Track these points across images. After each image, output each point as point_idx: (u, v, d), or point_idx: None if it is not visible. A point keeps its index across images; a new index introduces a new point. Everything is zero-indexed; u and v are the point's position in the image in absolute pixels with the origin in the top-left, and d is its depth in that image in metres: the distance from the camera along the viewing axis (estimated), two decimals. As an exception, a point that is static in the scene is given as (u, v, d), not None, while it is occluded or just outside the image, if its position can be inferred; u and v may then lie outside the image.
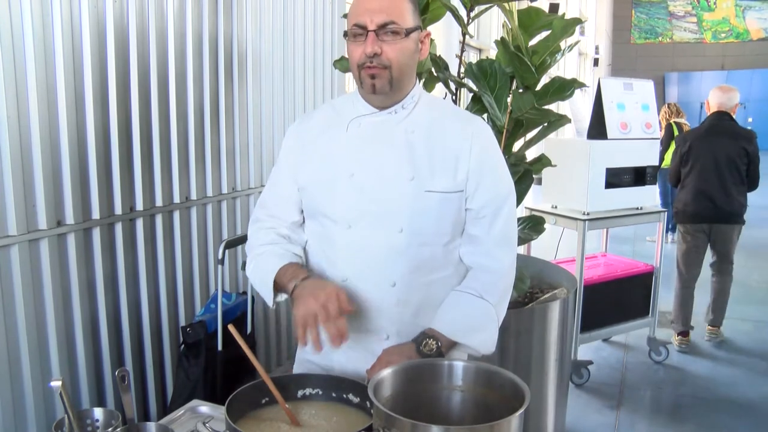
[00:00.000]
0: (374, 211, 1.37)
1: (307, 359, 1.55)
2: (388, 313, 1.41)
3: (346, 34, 1.35)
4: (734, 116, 4.11)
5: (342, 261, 1.41)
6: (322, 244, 1.45)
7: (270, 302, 1.44)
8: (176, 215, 2.64)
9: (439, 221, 1.39)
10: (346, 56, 2.51)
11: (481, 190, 1.40)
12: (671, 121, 7.09)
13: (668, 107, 7.30)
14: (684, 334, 4.17)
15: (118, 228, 2.34)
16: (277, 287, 1.41)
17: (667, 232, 7.10)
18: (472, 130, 1.42)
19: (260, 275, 1.44)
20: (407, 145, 1.39)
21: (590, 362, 3.73)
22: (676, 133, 6.93)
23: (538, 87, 2.39)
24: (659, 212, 4.00)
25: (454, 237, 1.43)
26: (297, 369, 1.59)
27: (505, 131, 2.34)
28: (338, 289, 1.29)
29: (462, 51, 2.59)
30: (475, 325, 1.39)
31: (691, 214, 4.06)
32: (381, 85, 1.34)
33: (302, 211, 1.50)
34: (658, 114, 5.98)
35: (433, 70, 2.41)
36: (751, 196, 4.19)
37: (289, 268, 1.40)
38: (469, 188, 1.40)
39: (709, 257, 4.27)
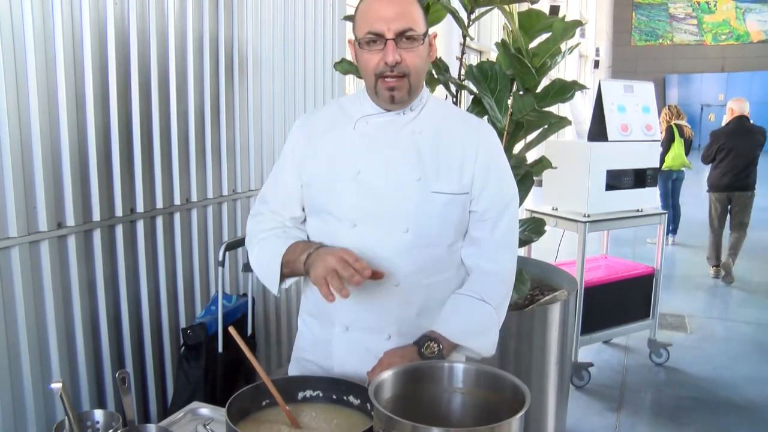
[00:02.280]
0: (380, 211, 1.37)
1: (303, 358, 1.54)
2: (391, 313, 1.40)
3: (359, 43, 1.33)
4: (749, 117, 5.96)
5: None
6: (327, 243, 1.42)
7: (275, 289, 1.41)
8: (176, 217, 2.64)
9: (444, 223, 1.39)
10: (347, 58, 2.52)
11: (486, 193, 1.41)
12: (672, 123, 7.10)
13: (669, 109, 7.32)
14: (716, 266, 6.05)
15: (119, 230, 2.34)
16: (285, 271, 1.39)
17: (667, 234, 7.11)
18: (479, 135, 1.43)
19: (265, 259, 1.42)
20: (414, 146, 1.38)
21: (591, 364, 3.73)
22: (676, 134, 6.94)
23: (539, 89, 2.39)
24: (660, 214, 4.00)
25: (457, 239, 1.43)
26: (293, 368, 1.57)
27: (505, 133, 2.34)
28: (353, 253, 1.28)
29: (462, 53, 2.59)
30: (476, 327, 1.39)
31: (721, 186, 5.91)
32: (400, 96, 1.34)
33: (304, 208, 1.49)
34: (659, 116, 6.25)
35: (433, 72, 2.42)
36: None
37: (298, 244, 1.38)
38: (474, 191, 1.40)
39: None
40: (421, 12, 1.34)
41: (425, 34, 1.34)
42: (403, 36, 1.29)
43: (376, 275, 1.28)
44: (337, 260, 1.24)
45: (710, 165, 6.05)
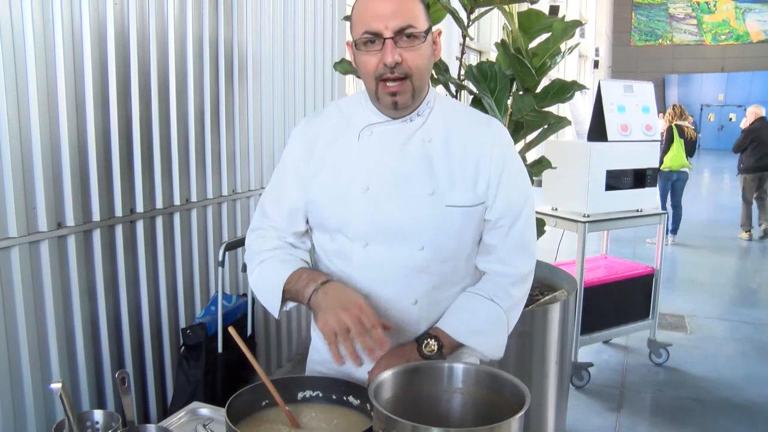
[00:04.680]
0: (393, 228, 1.29)
1: (323, 372, 1.47)
2: (409, 331, 1.36)
3: (356, 45, 1.24)
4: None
5: (360, 279, 1.33)
6: (338, 263, 1.36)
7: (276, 313, 1.35)
8: (176, 217, 2.64)
9: (460, 236, 1.33)
10: (347, 58, 2.52)
11: (500, 200, 1.33)
12: (672, 124, 7.12)
13: (673, 109, 7.45)
14: (748, 231, 7.91)
15: (119, 230, 2.34)
16: (287, 296, 1.33)
17: (667, 233, 7.13)
18: (491, 134, 1.35)
19: (266, 283, 1.35)
20: (425, 157, 1.30)
21: (590, 364, 3.73)
22: (675, 135, 6.96)
23: (539, 89, 2.39)
24: (659, 214, 4.00)
25: (474, 248, 1.38)
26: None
27: (505, 133, 2.34)
28: (364, 302, 1.22)
29: (462, 53, 2.59)
30: (481, 327, 1.34)
31: (751, 168, 7.75)
32: (404, 101, 1.25)
33: (308, 223, 1.41)
34: (659, 115, 6.53)
35: (433, 72, 2.42)
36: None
37: (303, 273, 1.31)
38: (489, 198, 1.33)
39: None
40: (423, 7, 1.25)
41: (427, 31, 1.24)
42: (403, 34, 1.20)
43: (386, 327, 1.22)
44: (353, 321, 1.17)
45: (741, 153, 7.90)
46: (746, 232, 7.91)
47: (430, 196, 1.29)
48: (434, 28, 1.31)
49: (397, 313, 1.33)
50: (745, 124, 8.02)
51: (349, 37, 1.31)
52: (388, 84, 1.23)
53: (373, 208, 1.29)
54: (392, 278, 1.31)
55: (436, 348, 1.30)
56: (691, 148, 7.19)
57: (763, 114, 7.98)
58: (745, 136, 7.85)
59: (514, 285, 1.38)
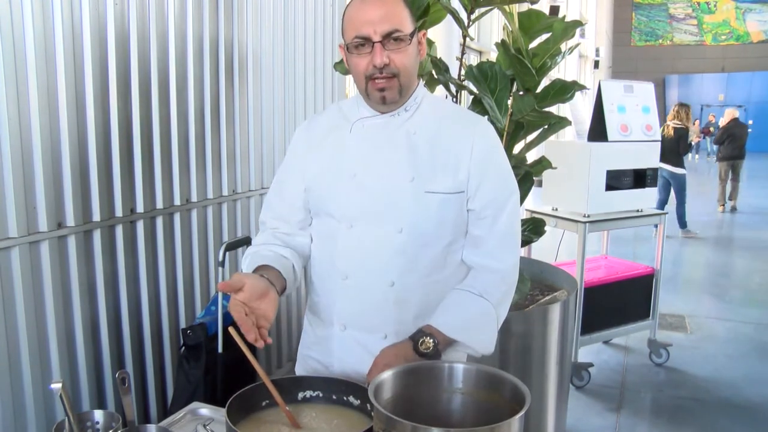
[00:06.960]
0: (375, 211, 1.38)
1: (308, 355, 1.56)
2: (387, 312, 1.41)
3: (348, 48, 1.34)
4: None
5: (343, 259, 1.42)
6: (325, 243, 1.46)
7: None
8: (177, 217, 2.64)
9: (440, 222, 1.39)
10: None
11: (483, 190, 1.40)
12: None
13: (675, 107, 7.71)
14: (723, 204, 10.19)
15: (119, 230, 2.34)
16: None
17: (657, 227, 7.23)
18: (474, 130, 1.42)
19: None
20: (409, 147, 1.39)
21: (591, 365, 3.73)
22: None
23: (539, 89, 2.40)
24: (660, 214, 4.00)
25: (456, 238, 1.43)
26: (299, 364, 1.60)
27: (505, 134, 2.34)
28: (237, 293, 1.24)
29: (462, 53, 2.59)
30: (473, 323, 1.39)
31: (726, 157, 10.00)
32: (392, 96, 1.36)
33: (309, 211, 1.50)
34: (666, 114, 7.69)
35: (433, 72, 2.42)
36: (754, 199, 10.79)
37: (257, 269, 1.37)
38: (471, 188, 1.40)
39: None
40: (407, 11, 1.35)
41: (413, 33, 1.35)
42: (390, 38, 1.30)
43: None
44: (235, 311, 1.23)
45: (719, 145, 10.14)
46: (721, 205, 10.20)
47: (410, 182, 1.37)
48: (420, 30, 1.41)
49: (374, 294, 1.41)
50: (723, 122, 10.23)
51: (342, 41, 1.40)
52: (376, 81, 1.34)
53: (359, 192, 1.40)
54: (371, 259, 1.39)
55: (432, 345, 1.33)
56: (671, 147, 7.16)
57: (737, 116, 10.31)
58: (723, 133, 10.16)
59: (502, 279, 1.44)
